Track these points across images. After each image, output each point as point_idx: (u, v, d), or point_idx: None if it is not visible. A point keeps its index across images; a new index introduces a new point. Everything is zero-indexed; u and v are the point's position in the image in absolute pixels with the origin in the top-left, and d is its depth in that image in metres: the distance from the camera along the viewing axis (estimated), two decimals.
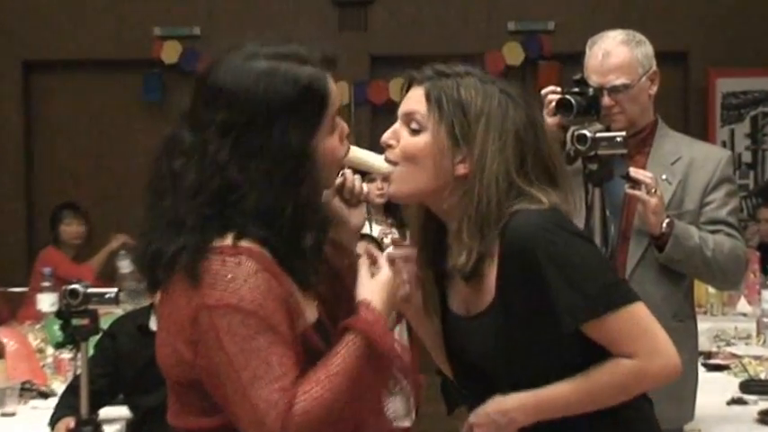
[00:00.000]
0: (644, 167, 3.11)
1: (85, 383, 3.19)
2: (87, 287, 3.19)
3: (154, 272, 1.78)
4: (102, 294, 3.20)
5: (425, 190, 1.96)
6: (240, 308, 1.68)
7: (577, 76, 3.13)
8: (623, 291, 1.91)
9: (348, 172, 2.06)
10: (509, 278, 1.90)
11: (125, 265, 5.96)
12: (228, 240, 1.72)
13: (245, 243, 1.73)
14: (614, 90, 3.10)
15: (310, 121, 1.77)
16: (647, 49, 3.18)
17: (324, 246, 1.85)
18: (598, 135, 2.94)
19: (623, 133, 2.96)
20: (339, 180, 2.04)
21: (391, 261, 2.01)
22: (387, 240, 5.16)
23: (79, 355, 3.24)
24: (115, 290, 3.23)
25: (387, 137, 2.00)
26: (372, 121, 7.40)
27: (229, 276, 1.69)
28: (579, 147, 2.94)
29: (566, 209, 1.96)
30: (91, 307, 3.18)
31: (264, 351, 1.67)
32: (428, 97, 1.95)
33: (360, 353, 1.75)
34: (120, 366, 3.73)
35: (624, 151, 2.97)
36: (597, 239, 2.95)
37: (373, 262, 1.92)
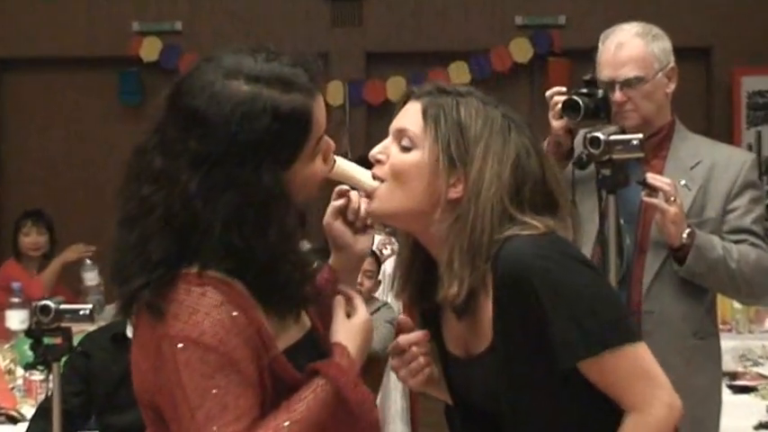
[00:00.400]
0: (661, 172, 3.11)
1: (58, 406, 3.20)
2: (60, 303, 3.20)
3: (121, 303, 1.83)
4: (77, 311, 3.21)
5: (410, 210, 1.96)
6: (200, 342, 1.71)
7: (587, 77, 3.13)
8: (626, 328, 1.91)
9: (354, 193, 2.06)
10: (505, 312, 1.90)
11: (90, 277, 5.94)
12: (195, 268, 1.76)
13: (212, 273, 1.75)
14: (627, 84, 3.11)
15: (287, 154, 1.78)
16: (664, 43, 3.19)
17: (306, 282, 1.86)
18: (612, 138, 2.94)
19: (640, 136, 2.97)
20: (342, 201, 2.05)
21: (402, 350, 2.05)
22: (386, 251, 5.17)
23: (51, 377, 3.24)
24: (90, 306, 3.23)
25: (376, 151, 2.01)
26: (368, 123, 7.42)
27: (192, 307, 1.73)
28: (592, 150, 2.94)
29: (566, 236, 1.95)
30: (64, 324, 3.18)
31: (221, 390, 1.70)
32: (425, 113, 1.96)
33: (327, 401, 1.77)
34: (92, 383, 3.73)
35: (641, 155, 2.98)
36: (612, 251, 2.96)
37: (349, 301, 1.93)
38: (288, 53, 1.83)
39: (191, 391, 1.70)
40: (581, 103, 3.04)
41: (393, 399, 5.05)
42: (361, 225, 2.08)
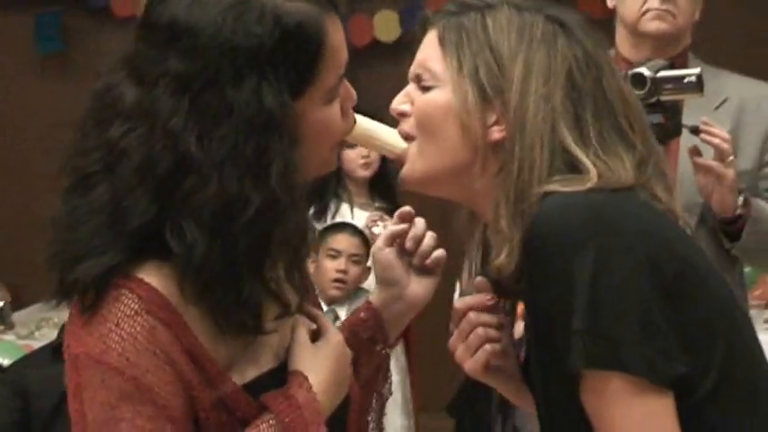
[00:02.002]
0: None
1: None
2: None
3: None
4: None
5: (446, 168, 1.90)
6: (102, 361, 1.67)
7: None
8: (653, 357, 1.72)
9: (420, 221, 2.02)
10: (529, 290, 1.81)
11: None
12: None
13: (141, 272, 1.69)
14: None
15: (294, 76, 1.72)
16: None
17: (298, 274, 1.78)
18: (661, 75, 2.94)
19: (697, 71, 2.95)
20: (402, 227, 2.02)
21: (460, 318, 1.94)
22: (376, 230, 5.18)
23: None
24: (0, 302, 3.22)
25: (398, 102, 1.97)
26: (353, 69, 7.37)
27: (102, 315, 1.69)
28: (636, 91, 2.94)
29: (651, 188, 1.84)
30: None
31: (126, 425, 1.66)
32: (442, 40, 1.93)
33: None
34: (32, 402, 3.74)
35: (699, 95, 2.97)
36: None
37: (312, 320, 1.86)
38: None
39: (90, 423, 1.67)
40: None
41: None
42: (419, 262, 2.06)
